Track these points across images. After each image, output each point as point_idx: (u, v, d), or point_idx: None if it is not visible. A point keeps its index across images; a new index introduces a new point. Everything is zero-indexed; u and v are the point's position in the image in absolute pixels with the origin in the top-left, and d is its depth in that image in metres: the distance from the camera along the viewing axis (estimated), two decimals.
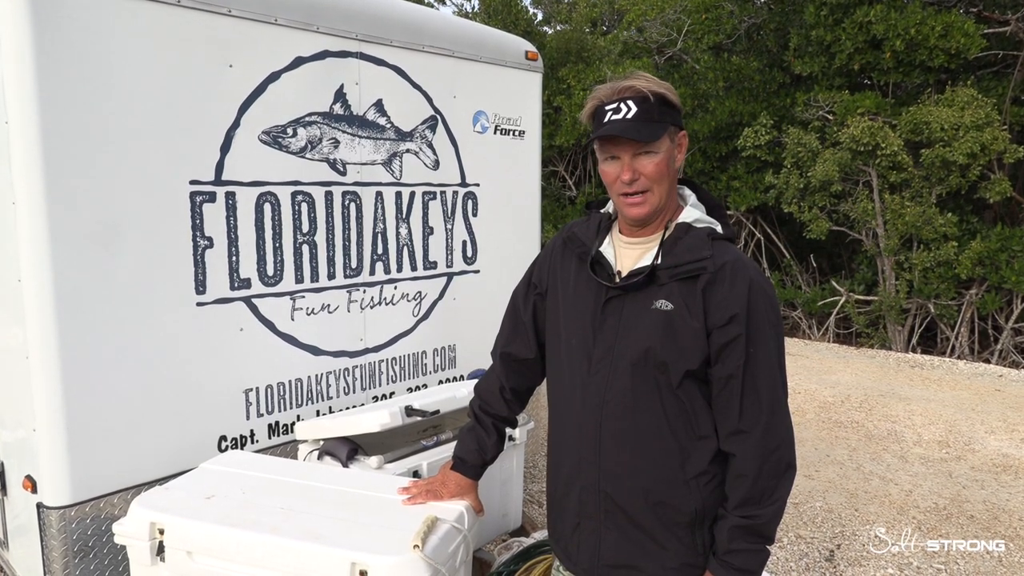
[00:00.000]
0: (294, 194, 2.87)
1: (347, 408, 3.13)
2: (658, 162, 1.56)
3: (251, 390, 2.80)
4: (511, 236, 3.88)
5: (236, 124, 2.65)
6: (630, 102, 1.54)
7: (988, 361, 8.85)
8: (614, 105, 1.55)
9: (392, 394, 3.35)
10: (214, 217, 2.62)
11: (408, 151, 3.30)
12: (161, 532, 1.87)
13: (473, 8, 14.77)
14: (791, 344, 9.13)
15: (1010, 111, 9.04)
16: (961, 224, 8.99)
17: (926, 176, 8.77)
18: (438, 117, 3.42)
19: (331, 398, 3.10)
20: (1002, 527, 4.17)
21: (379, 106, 3.15)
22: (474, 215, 3.66)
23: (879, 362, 8.32)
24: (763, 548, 1.58)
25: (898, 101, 9.50)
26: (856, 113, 8.91)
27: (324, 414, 3.06)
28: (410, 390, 3.44)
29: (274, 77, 2.75)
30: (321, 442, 2.67)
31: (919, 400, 6.63)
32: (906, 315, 9.31)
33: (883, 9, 8.69)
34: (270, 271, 2.82)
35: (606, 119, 1.55)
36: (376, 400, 3.28)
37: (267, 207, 2.78)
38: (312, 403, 3.03)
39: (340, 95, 2.99)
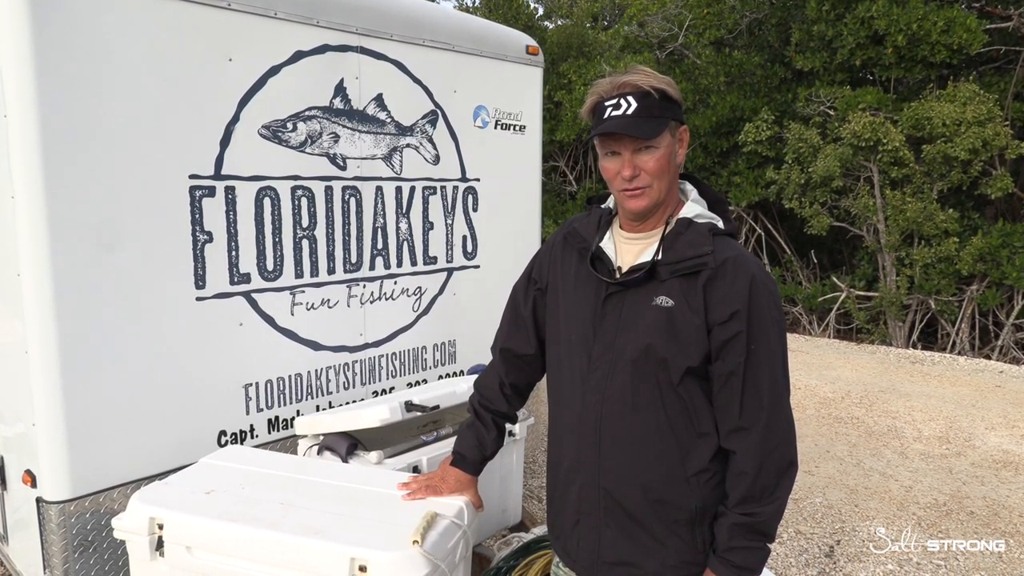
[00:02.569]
0: (294, 189, 2.86)
1: (347, 403, 3.13)
2: (659, 158, 1.55)
3: (251, 385, 2.80)
4: (511, 231, 3.87)
5: (236, 118, 2.64)
6: (630, 98, 1.52)
7: (989, 357, 8.84)
8: (614, 101, 1.54)
9: (392, 389, 3.35)
10: (213, 212, 2.61)
11: (408, 146, 3.29)
12: (160, 527, 1.87)
13: (474, 3, 14.73)
14: (791, 340, 9.13)
15: (1012, 107, 9.01)
16: (962, 220, 8.97)
17: (927, 172, 8.74)
18: (438, 112, 3.41)
19: (331, 393, 3.10)
20: (1002, 523, 4.17)
21: (379, 100, 3.14)
22: (474, 210, 3.65)
23: (879, 358, 8.32)
24: (763, 546, 1.58)
25: (900, 96, 9.47)
26: (857, 108, 8.87)
27: (324, 409, 3.06)
28: (410, 385, 3.43)
29: (274, 71, 2.75)
30: (321, 437, 2.67)
31: (919, 396, 6.62)
32: (907, 311, 9.30)
33: (885, 4, 8.65)
34: (270, 266, 2.81)
35: (606, 115, 1.54)
36: (376, 395, 3.28)
37: (267, 202, 2.78)
38: (312, 398, 3.02)
39: (340, 89, 2.98)
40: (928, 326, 9.64)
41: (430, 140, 3.39)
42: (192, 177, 2.54)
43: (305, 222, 2.92)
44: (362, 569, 1.68)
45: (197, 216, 2.56)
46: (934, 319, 9.50)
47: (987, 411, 6.19)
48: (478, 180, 3.65)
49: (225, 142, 2.62)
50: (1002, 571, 3.68)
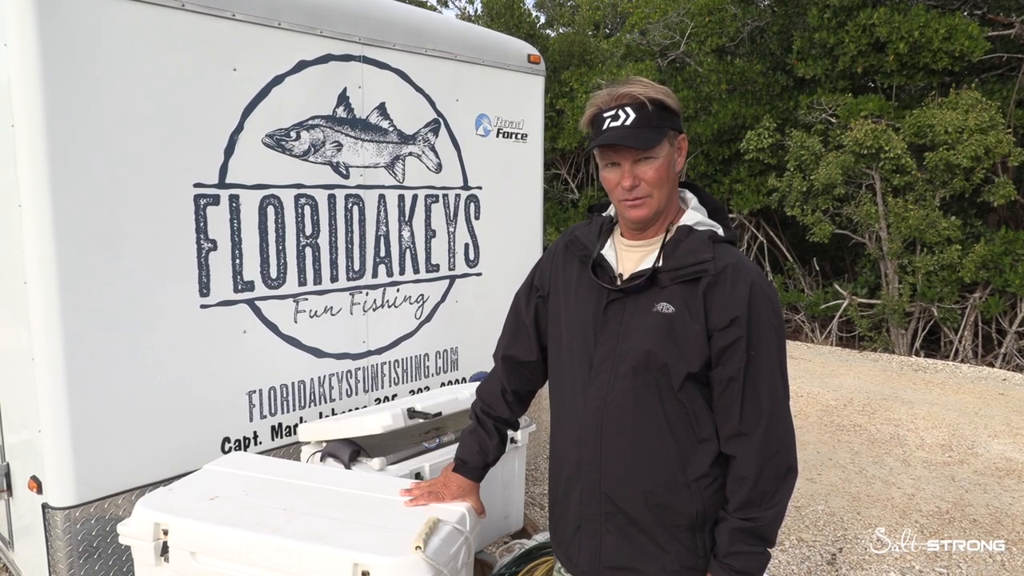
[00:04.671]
0: (297, 197, 2.88)
1: (350, 410, 3.14)
2: (658, 167, 1.57)
3: (254, 392, 2.81)
4: (513, 239, 3.89)
5: (240, 127, 2.67)
6: (628, 108, 1.54)
7: (991, 365, 8.83)
8: (612, 112, 1.56)
9: (394, 396, 3.36)
10: (218, 220, 2.63)
11: (411, 154, 3.31)
12: (165, 533, 1.88)
13: (476, 11, 14.79)
14: (794, 347, 9.13)
15: (1014, 114, 9.02)
16: (965, 227, 8.97)
17: (930, 179, 8.75)
18: (440, 120, 3.43)
19: (334, 400, 3.11)
20: (1005, 531, 4.16)
21: (382, 109, 3.16)
22: (476, 218, 3.67)
23: (882, 365, 8.31)
24: (764, 551, 1.59)
25: (901, 104, 9.49)
26: (859, 116, 8.90)
27: (327, 416, 3.07)
28: (412, 392, 3.44)
29: (277, 81, 2.77)
30: (324, 444, 2.68)
31: (922, 404, 6.62)
32: (909, 318, 9.30)
33: (886, 12, 8.69)
34: (273, 274, 2.83)
35: (605, 126, 1.56)
36: (379, 402, 3.29)
37: (270, 210, 2.80)
38: (315, 405, 3.04)
39: (343, 98, 3.00)
40: (931, 334, 9.63)
41: (432, 148, 3.41)
42: (197, 185, 2.56)
43: (308, 230, 2.94)
44: (365, 574, 1.69)
45: (201, 224, 2.58)
46: (937, 327, 9.49)
47: (990, 419, 6.18)
48: (480, 188, 3.67)
49: (229, 151, 2.65)
50: None
